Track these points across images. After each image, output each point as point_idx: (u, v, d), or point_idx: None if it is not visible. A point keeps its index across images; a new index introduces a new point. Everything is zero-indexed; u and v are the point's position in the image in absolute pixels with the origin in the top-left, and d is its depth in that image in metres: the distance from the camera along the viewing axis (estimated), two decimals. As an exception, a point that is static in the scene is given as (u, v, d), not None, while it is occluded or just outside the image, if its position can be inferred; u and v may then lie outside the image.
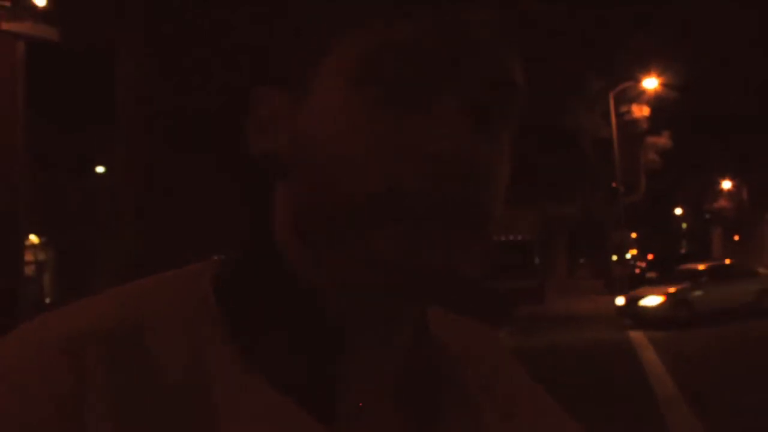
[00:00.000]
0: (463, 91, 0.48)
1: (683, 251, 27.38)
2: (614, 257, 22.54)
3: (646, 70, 21.87)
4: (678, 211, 30.53)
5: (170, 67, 7.35)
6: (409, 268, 0.46)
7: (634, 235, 24.67)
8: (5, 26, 5.84)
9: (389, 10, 0.47)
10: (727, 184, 30.84)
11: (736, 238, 31.77)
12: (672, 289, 14.61)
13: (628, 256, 22.56)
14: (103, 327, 0.46)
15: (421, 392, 0.54)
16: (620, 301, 15.52)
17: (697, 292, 14.52)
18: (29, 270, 18.93)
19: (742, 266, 17.28)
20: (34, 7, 6.15)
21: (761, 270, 16.84)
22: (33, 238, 18.93)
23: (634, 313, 14.48)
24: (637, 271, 21.40)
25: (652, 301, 14.37)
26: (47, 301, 17.89)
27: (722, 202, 30.35)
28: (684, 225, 29.40)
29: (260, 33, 0.57)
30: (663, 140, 24.75)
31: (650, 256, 27.56)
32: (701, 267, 16.06)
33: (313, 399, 0.48)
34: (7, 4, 5.86)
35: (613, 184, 20.43)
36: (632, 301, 14.76)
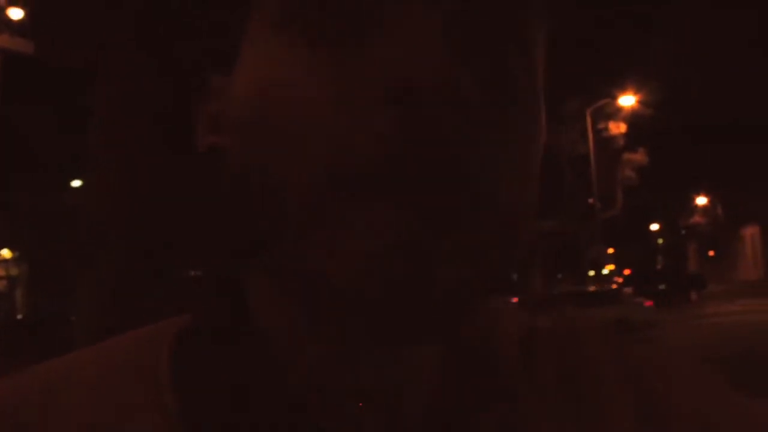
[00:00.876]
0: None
1: (659, 267, 27.74)
2: (591, 273, 22.65)
3: (622, 87, 22.18)
4: (655, 226, 30.91)
5: (163, 64, 7.25)
6: (361, 286, 0.32)
7: (611, 250, 24.88)
8: (-20, 40, 5.78)
9: None
10: (702, 200, 31.27)
11: (712, 253, 32.18)
12: None
13: (606, 271, 22.71)
14: None
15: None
16: None
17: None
18: (1, 285, 18.63)
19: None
20: (10, 20, 6.09)
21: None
22: (5, 253, 18.66)
23: None
24: (614, 286, 21.54)
25: None
26: (19, 317, 17.60)
27: (697, 218, 30.76)
28: (660, 240, 29.78)
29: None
30: (639, 157, 25.06)
31: (627, 272, 27.84)
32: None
33: None
34: (-18, 17, 5.81)
35: (590, 200, 20.59)
36: None
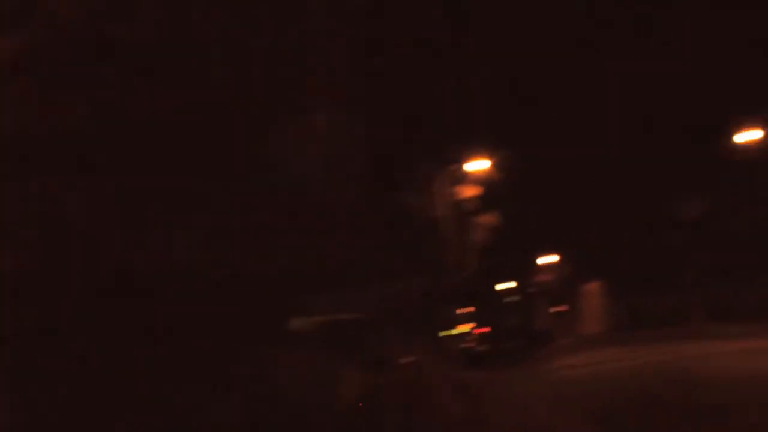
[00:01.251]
0: None
1: (513, 324, 28.85)
2: (450, 331, 23.07)
3: (475, 151, 23.19)
4: (508, 285, 32.30)
5: None
6: None
7: (468, 310, 25.61)
8: None
9: None
10: (550, 259, 33.15)
11: (559, 309, 33.94)
12: None
13: (463, 330, 23.29)
14: None
15: None
16: None
17: None
18: None
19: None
20: None
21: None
22: None
23: None
24: (469, 345, 22.14)
25: None
26: None
27: (546, 276, 32.54)
28: (513, 298, 31.13)
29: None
30: (491, 219, 26.09)
31: (482, 330, 28.69)
32: None
33: None
34: None
35: (445, 262, 21.18)
36: None
